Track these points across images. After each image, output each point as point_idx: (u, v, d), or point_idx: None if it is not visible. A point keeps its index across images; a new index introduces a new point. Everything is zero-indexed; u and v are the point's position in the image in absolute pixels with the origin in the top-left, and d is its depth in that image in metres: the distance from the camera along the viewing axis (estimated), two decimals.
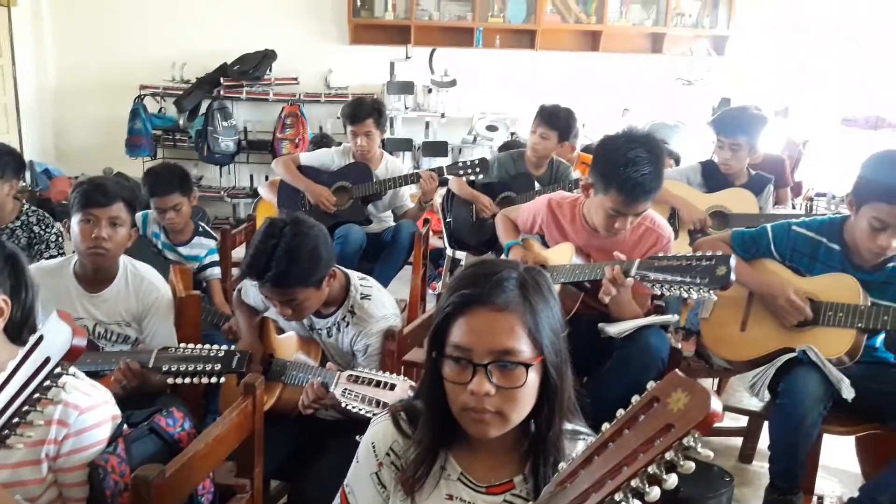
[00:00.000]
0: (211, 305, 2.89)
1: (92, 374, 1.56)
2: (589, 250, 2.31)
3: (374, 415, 1.33)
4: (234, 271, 3.23)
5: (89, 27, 6.25)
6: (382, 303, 2.07)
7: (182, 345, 1.95)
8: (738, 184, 3.14)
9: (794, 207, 3.74)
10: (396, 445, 1.18)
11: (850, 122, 5.38)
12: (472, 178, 3.51)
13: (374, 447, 1.20)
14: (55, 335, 1.16)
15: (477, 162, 3.50)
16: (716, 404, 0.74)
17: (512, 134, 5.77)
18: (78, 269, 2.15)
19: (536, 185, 3.55)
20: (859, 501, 2.04)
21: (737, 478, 2.45)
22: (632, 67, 6.14)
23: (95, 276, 2.14)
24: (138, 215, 2.86)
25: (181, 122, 6.14)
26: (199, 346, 1.91)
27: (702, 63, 6.06)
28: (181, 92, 5.98)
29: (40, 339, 1.18)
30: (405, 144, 5.93)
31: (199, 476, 1.48)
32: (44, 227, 3.02)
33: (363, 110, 3.50)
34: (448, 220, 3.82)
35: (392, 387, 1.66)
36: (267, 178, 5.26)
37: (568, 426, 1.14)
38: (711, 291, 1.84)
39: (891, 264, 2.12)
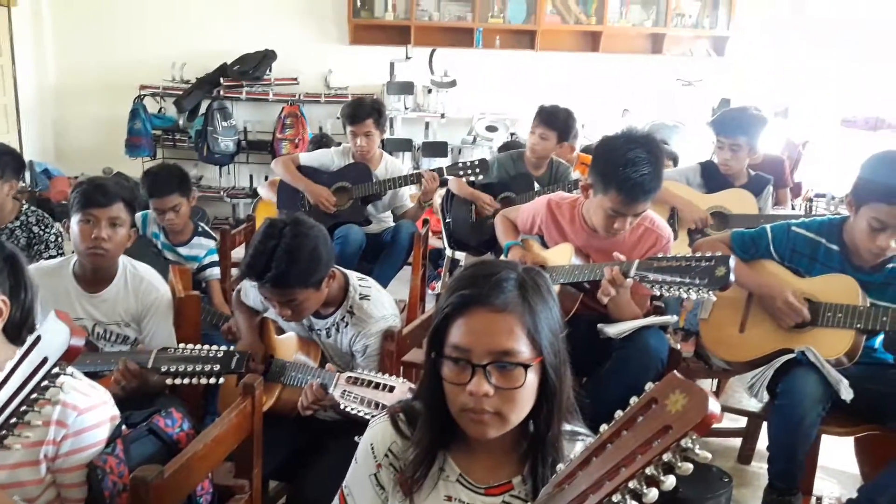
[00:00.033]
0: (210, 306, 2.89)
1: (91, 375, 1.56)
2: (588, 251, 2.31)
3: (373, 416, 1.33)
4: (234, 272, 3.23)
5: (89, 27, 6.24)
6: (381, 303, 2.07)
7: (181, 345, 1.95)
8: (738, 184, 3.14)
9: (793, 208, 3.74)
10: (395, 446, 1.18)
11: (850, 122, 5.38)
12: (472, 178, 3.52)
13: (372, 448, 1.20)
14: (53, 335, 1.16)
15: (477, 162, 3.50)
16: (714, 406, 0.74)
17: (512, 134, 5.76)
18: (77, 269, 2.15)
19: (536, 185, 3.55)
20: (858, 502, 2.04)
21: (735, 478, 2.45)
22: (632, 68, 6.13)
23: (95, 276, 2.14)
24: (138, 215, 2.86)
25: (181, 122, 6.13)
26: (198, 346, 1.90)
27: (701, 63, 6.06)
28: (181, 92, 5.97)
29: (38, 339, 1.18)
30: (405, 145, 5.92)
31: (198, 477, 1.48)
32: (43, 228, 3.02)
33: (363, 110, 3.50)
34: (447, 220, 3.82)
35: (391, 389, 1.66)
36: (266, 178, 5.25)
37: (567, 427, 1.14)
38: (711, 292, 1.84)
39: (890, 265, 2.12)
